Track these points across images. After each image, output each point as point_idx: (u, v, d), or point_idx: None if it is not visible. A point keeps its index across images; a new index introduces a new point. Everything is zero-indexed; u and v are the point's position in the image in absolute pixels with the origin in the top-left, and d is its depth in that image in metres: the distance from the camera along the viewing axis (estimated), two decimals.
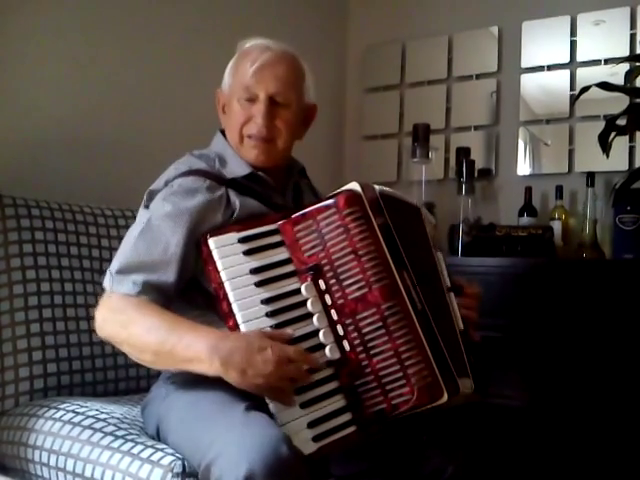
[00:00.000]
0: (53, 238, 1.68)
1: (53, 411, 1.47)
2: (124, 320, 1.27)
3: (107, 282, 1.32)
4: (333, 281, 1.25)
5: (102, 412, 1.45)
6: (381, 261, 1.24)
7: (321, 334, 1.24)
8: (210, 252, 1.25)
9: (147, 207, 1.38)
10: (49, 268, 1.65)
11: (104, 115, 2.04)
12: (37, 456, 1.42)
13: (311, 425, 1.19)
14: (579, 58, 2.55)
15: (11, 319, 1.58)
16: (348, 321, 1.24)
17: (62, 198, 1.77)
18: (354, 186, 1.29)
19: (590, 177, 2.37)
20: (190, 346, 1.19)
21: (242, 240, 1.27)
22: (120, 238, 1.78)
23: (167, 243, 1.30)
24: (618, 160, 2.30)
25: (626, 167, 2.37)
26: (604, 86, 2.00)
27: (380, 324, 1.22)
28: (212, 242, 1.26)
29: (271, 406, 1.19)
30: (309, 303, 1.25)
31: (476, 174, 2.61)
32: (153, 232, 1.32)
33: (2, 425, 1.53)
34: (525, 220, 2.47)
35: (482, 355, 1.43)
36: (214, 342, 1.18)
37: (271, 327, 1.23)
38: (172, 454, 1.25)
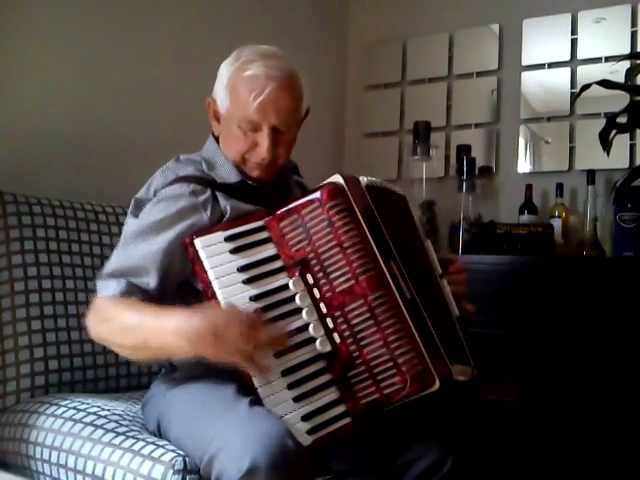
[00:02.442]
0: (54, 235, 1.68)
1: (54, 408, 1.48)
2: (106, 318, 1.29)
3: (97, 287, 1.35)
4: (320, 274, 1.26)
5: (103, 409, 1.45)
6: (367, 252, 1.25)
7: (311, 328, 1.25)
8: (197, 252, 1.27)
9: (135, 216, 1.40)
10: (50, 265, 1.66)
11: (105, 113, 2.04)
12: (38, 453, 1.42)
13: (305, 418, 1.21)
14: (580, 56, 2.54)
15: (12, 316, 1.58)
16: (337, 313, 1.25)
17: (63, 195, 1.78)
18: (337, 179, 1.29)
19: (590, 175, 2.37)
20: (159, 334, 1.21)
21: (228, 239, 1.28)
22: (120, 235, 1.79)
23: (149, 249, 1.32)
24: (618, 158, 2.30)
25: (627, 165, 2.37)
26: (605, 84, 2.00)
27: (368, 315, 1.23)
28: (198, 242, 1.27)
29: (265, 401, 1.20)
30: (298, 297, 1.26)
31: (477, 172, 2.60)
32: (136, 239, 1.34)
33: (3, 422, 1.54)
34: (525, 218, 2.47)
35: (478, 350, 1.44)
36: (180, 324, 1.18)
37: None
38: (173, 451, 1.25)
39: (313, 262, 1.26)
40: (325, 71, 2.87)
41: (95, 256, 1.75)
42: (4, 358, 1.56)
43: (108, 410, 1.45)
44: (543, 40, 2.62)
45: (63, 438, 1.39)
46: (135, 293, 1.30)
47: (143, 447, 1.28)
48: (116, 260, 1.35)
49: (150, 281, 1.31)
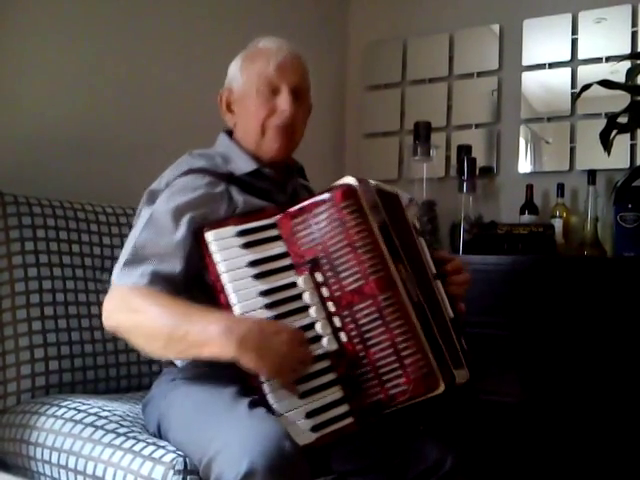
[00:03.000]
0: (54, 236, 1.68)
1: (55, 409, 1.48)
2: (134, 308, 1.26)
3: (115, 276, 1.31)
4: (330, 274, 1.26)
5: (104, 410, 1.45)
6: (377, 253, 1.25)
7: (318, 326, 1.25)
8: (208, 245, 1.27)
9: (150, 206, 1.39)
10: (51, 266, 1.66)
11: (105, 113, 2.04)
12: (39, 454, 1.42)
13: (309, 415, 1.21)
14: (580, 56, 2.55)
15: (13, 317, 1.58)
16: (345, 313, 1.25)
17: (63, 196, 1.77)
18: (350, 180, 1.30)
19: (591, 175, 2.37)
20: (204, 330, 1.19)
21: (240, 233, 1.29)
22: (121, 235, 1.80)
23: (171, 234, 1.31)
24: (619, 158, 2.30)
25: (627, 165, 2.37)
26: (605, 84, 2.00)
27: (376, 315, 1.23)
28: (210, 235, 1.27)
29: (270, 396, 1.20)
30: (306, 295, 1.27)
31: (477, 172, 2.60)
32: (157, 226, 1.32)
33: (4, 422, 1.54)
34: (526, 218, 2.48)
35: (478, 350, 1.44)
36: (228, 325, 1.18)
37: (269, 319, 1.24)
38: (173, 451, 1.25)
39: (323, 261, 1.27)
40: (325, 71, 2.87)
41: (95, 257, 1.75)
42: (5, 359, 1.56)
43: (109, 411, 1.45)
44: (543, 40, 2.62)
45: (64, 439, 1.39)
46: (160, 283, 1.27)
47: (144, 448, 1.28)
48: (137, 245, 1.31)
49: (176, 267, 1.29)
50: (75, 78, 1.98)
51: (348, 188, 1.28)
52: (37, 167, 1.85)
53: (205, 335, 1.18)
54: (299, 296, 1.27)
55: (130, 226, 1.64)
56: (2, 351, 1.56)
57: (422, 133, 2.65)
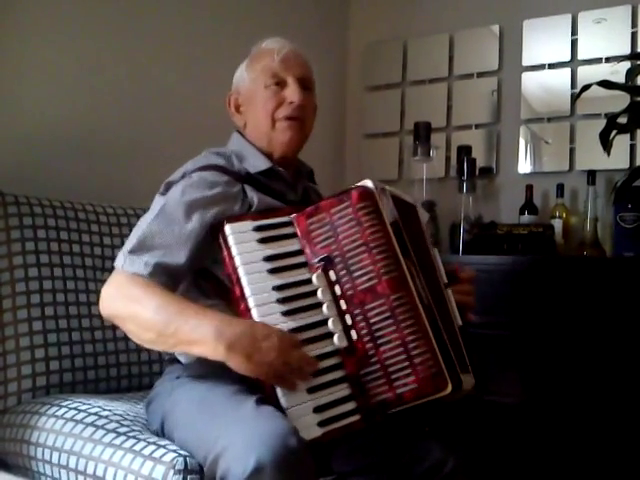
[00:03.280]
0: (55, 236, 1.68)
1: (55, 408, 1.48)
2: (132, 297, 1.27)
3: (119, 261, 1.32)
4: (343, 272, 1.28)
5: (104, 409, 1.45)
6: (391, 254, 1.27)
7: (330, 322, 1.26)
8: (226, 237, 1.28)
9: (164, 195, 1.39)
10: (51, 266, 1.66)
11: (106, 114, 2.05)
12: (39, 453, 1.42)
13: (317, 410, 1.21)
14: (580, 56, 2.55)
15: (14, 317, 1.58)
16: (357, 311, 1.26)
17: (64, 196, 1.78)
18: (367, 183, 1.32)
19: (591, 175, 2.38)
20: (196, 329, 1.20)
21: (257, 229, 1.31)
22: (121, 235, 1.80)
23: (181, 227, 1.32)
24: (619, 158, 2.30)
25: (627, 165, 2.38)
26: (605, 84, 2.00)
27: (388, 314, 1.24)
28: (228, 228, 1.29)
29: (278, 389, 1.20)
30: (319, 292, 1.28)
31: (477, 172, 2.61)
32: (168, 216, 1.33)
33: (4, 422, 1.54)
34: (526, 218, 2.48)
35: (479, 350, 1.44)
36: (220, 326, 1.19)
37: (282, 313, 1.25)
38: (174, 451, 1.25)
39: (337, 260, 1.28)
40: (325, 72, 2.86)
41: (96, 257, 1.75)
42: (5, 359, 1.56)
43: (109, 411, 1.45)
44: (543, 41, 2.62)
45: (64, 439, 1.39)
46: (161, 275, 1.29)
47: (144, 447, 1.28)
48: (145, 233, 1.31)
49: (181, 259, 1.30)
50: (75, 78, 1.98)
51: (365, 190, 1.30)
52: (37, 167, 1.85)
53: (195, 335, 1.20)
54: (312, 293, 1.28)
55: (130, 226, 1.64)
56: (3, 351, 1.56)
57: (422, 133, 2.66)
